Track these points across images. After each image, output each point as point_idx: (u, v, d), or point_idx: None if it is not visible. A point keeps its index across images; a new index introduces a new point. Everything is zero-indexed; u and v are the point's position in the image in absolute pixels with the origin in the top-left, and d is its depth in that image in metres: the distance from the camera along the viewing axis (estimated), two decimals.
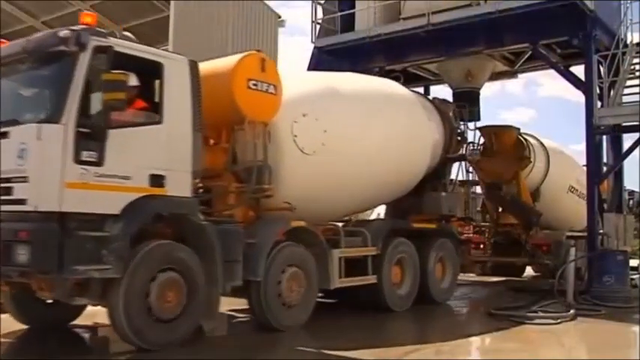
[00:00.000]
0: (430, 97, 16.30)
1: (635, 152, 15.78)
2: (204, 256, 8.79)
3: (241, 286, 9.50)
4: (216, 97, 9.61)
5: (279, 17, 21.75)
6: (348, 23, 17.97)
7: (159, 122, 8.55)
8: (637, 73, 15.78)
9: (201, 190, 10.03)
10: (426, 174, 13.86)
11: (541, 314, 12.07)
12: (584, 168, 20.99)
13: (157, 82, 8.75)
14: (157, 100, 8.73)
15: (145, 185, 8.25)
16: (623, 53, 15.46)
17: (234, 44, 19.58)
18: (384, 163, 12.23)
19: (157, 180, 8.39)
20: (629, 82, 15.48)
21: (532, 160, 19.07)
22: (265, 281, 9.79)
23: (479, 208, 20.84)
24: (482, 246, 19.97)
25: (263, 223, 10.29)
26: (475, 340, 10.86)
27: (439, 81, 20.16)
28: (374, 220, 13.30)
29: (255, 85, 10.16)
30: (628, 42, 16.08)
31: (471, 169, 15.57)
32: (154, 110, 8.65)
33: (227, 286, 9.16)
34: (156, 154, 8.46)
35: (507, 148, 18.75)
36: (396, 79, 19.92)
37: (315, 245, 10.81)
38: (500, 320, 11.64)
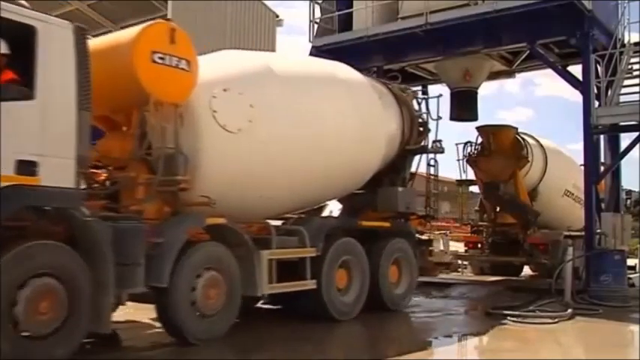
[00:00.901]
0: (407, 85, 14.86)
1: (633, 152, 15.83)
2: (92, 259, 7.45)
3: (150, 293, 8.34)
4: (116, 73, 8.54)
5: (277, 17, 21.83)
6: (346, 23, 17.99)
7: (30, 97, 7.09)
8: (634, 73, 15.79)
9: (108, 182, 9.03)
10: (381, 167, 12.67)
11: (539, 314, 12.07)
12: (582, 167, 21.15)
13: (31, 49, 7.23)
14: (30, 71, 7.22)
15: (9, 173, 6.81)
16: (621, 53, 15.49)
17: (232, 43, 19.62)
18: (328, 153, 10.96)
19: (26, 167, 6.96)
20: (626, 82, 15.52)
21: (530, 159, 19.08)
22: (174, 287, 8.43)
23: (477, 208, 20.92)
24: (480, 245, 20.10)
25: (172, 221, 8.95)
26: (472, 340, 10.85)
27: (437, 80, 20.16)
28: (314, 217, 11.77)
29: (161, 58, 8.72)
30: (625, 42, 16.10)
31: (432, 162, 14.00)
32: (26, 83, 7.17)
33: (123, 294, 7.96)
34: (25, 136, 7.02)
35: (505, 147, 18.80)
36: (394, 78, 20.02)
37: (239, 246, 9.46)
38: (498, 320, 11.64)
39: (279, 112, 10.13)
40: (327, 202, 13.15)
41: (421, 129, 13.71)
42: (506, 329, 11.01)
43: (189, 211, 9.21)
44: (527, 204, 18.71)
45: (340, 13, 18.06)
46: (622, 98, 15.31)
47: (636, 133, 15.23)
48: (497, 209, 19.39)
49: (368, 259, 11.66)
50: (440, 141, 13.88)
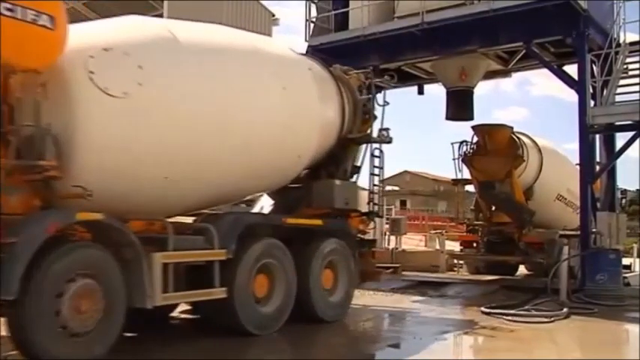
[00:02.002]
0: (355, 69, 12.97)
1: (629, 151, 15.84)
2: None
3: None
4: None
5: (273, 16, 21.82)
6: (342, 22, 18.01)
7: None
8: (630, 73, 15.79)
9: None
10: (318, 158, 11.32)
11: (534, 313, 12.07)
12: (577, 167, 21.16)
13: None
14: None
15: None
16: (616, 53, 15.52)
17: None
18: (245, 137, 9.39)
19: None
20: (622, 82, 15.55)
21: (525, 159, 19.11)
22: (30, 300, 6.69)
23: (472, 207, 20.91)
24: (475, 245, 20.14)
25: (33, 217, 7.27)
26: (467, 339, 10.84)
27: (433, 80, 20.16)
28: (226, 213, 10.11)
29: (10, 10, 6.79)
30: (621, 41, 16.11)
31: (377, 152, 12.61)
32: None
33: None
34: None
35: (500, 146, 18.80)
36: (390, 77, 20.04)
37: (124, 247, 7.77)
38: (493, 319, 11.64)
39: (179, 81, 8.39)
40: (255, 197, 11.92)
41: (366, 116, 12.29)
42: (502, 328, 10.98)
43: (62, 205, 7.55)
44: (522, 203, 18.72)
45: (336, 12, 18.06)
46: (617, 98, 15.35)
47: (632, 133, 15.25)
48: (493, 208, 19.42)
49: (296, 263, 10.10)
50: (387, 129, 12.53)
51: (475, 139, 19.42)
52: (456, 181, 20.40)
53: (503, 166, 18.48)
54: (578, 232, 19.48)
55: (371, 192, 12.79)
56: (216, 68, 9.02)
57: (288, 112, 10.11)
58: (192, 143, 8.55)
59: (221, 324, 9.45)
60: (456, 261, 21.43)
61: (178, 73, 8.40)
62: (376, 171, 12.77)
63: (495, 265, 19.89)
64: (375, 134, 12.44)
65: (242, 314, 9.17)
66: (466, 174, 19.72)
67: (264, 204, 12.17)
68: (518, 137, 19.46)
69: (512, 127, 19.39)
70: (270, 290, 9.79)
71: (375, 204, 12.76)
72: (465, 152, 19.37)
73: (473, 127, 19.29)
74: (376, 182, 12.84)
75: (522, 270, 21.19)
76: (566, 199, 20.31)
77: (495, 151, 18.71)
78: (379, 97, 12.97)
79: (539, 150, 19.91)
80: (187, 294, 8.67)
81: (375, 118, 12.53)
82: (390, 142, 12.67)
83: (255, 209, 12.07)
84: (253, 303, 9.46)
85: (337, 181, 11.57)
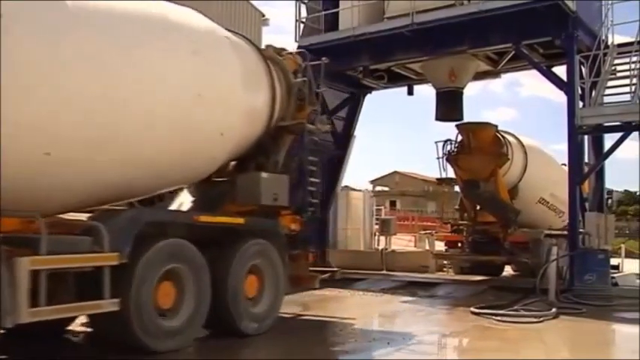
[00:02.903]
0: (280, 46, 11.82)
1: (617, 152, 15.93)
2: None
3: None
4: None
5: (263, 16, 21.81)
6: (332, 22, 18.01)
7: None
8: (618, 74, 15.87)
9: None
10: (246, 146, 10.17)
11: (523, 313, 12.12)
12: (563, 167, 21.22)
13: None
14: None
15: None
16: (605, 54, 15.58)
17: None
18: (148, 109, 8.06)
19: None
20: (610, 83, 15.63)
21: (510, 157, 19.04)
22: None
23: (457, 206, 20.87)
24: (460, 245, 20.11)
25: None
26: (455, 339, 10.90)
27: (423, 80, 20.20)
28: (123, 209, 8.64)
29: None
30: (609, 43, 16.19)
31: (307, 141, 11.57)
32: None
33: None
34: None
35: (485, 145, 18.75)
36: (380, 78, 20.11)
37: None
38: (483, 319, 11.69)
39: (55, 41, 6.99)
40: (169, 191, 10.14)
41: (302, 102, 11.12)
42: (490, 328, 11.04)
43: None
44: (507, 202, 18.65)
45: (326, 12, 18.07)
46: (606, 99, 15.43)
47: (620, 134, 15.35)
48: (478, 208, 19.39)
49: (211, 268, 8.82)
50: (328, 118, 11.57)
51: (459, 137, 19.38)
52: (441, 181, 20.29)
53: (487, 164, 18.44)
54: (565, 232, 19.66)
55: (306, 187, 11.49)
56: (110, 37, 7.60)
57: (202, 95, 8.77)
58: (80, 125, 7.24)
59: (116, 340, 8.02)
60: (445, 262, 21.43)
61: (55, 36, 7.01)
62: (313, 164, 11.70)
63: (480, 266, 19.78)
64: (312, 123, 11.36)
65: (140, 329, 7.75)
66: (451, 173, 19.63)
67: (184, 200, 10.57)
68: (502, 136, 19.40)
69: (496, 126, 19.34)
70: (177, 300, 8.38)
71: (310, 200, 11.47)
72: (449, 151, 19.29)
73: (457, 126, 19.25)
74: (313, 176, 11.65)
75: (508, 270, 21.20)
76: (548, 202, 20.28)
77: (479, 149, 18.65)
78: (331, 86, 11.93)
79: (524, 149, 19.85)
80: (65, 308, 7.08)
81: (313, 104, 11.47)
82: (328, 131, 11.50)
83: (173, 206, 10.32)
84: (155, 316, 8.01)
85: (264, 174, 10.26)
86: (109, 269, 7.31)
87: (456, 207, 21.00)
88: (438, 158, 19.40)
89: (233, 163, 10.58)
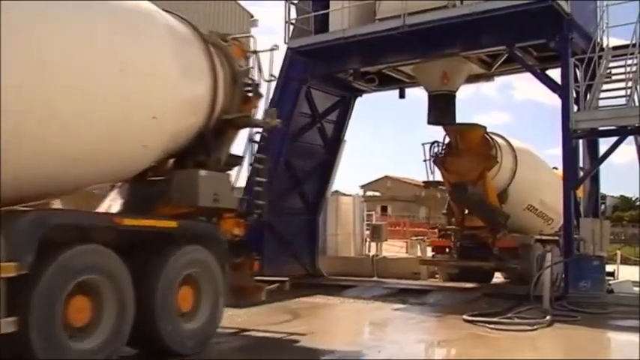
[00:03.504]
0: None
1: (612, 157, 16.01)
2: None
3: None
4: None
5: (252, 17, 21.85)
6: (322, 24, 18.01)
7: None
8: (613, 77, 15.96)
9: None
10: (185, 140, 9.38)
11: (517, 321, 12.16)
12: (554, 170, 21.27)
13: None
14: None
15: None
16: (600, 57, 15.65)
17: None
18: (60, 106, 7.19)
19: None
20: (605, 86, 15.67)
21: (499, 159, 18.90)
22: None
23: (444, 211, 20.70)
24: (448, 250, 19.87)
25: None
26: (446, 348, 10.92)
27: (415, 83, 20.25)
28: (24, 211, 7.33)
29: None
30: (604, 46, 16.27)
31: (257, 137, 10.95)
32: None
33: None
34: None
35: (473, 147, 18.69)
36: (371, 81, 20.15)
37: None
38: (476, 327, 11.73)
39: None
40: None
41: (248, 94, 10.44)
42: (483, 336, 11.08)
43: None
44: (496, 206, 18.54)
45: (316, 13, 18.06)
46: (601, 103, 15.47)
47: (615, 138, 15.43)
48: (466, 212, 19.24)
49: (135, 278, 7.87)
50: (274, 111, 10.93)
51: (447, 139, 19.31)
52: (428, 184, 20.10)
53: (475, 166, 18.33)
54: (556, 238, 19.70)
55: (250, 187, 10.82)
56: (21, 12, 6.89)
57: (126, 57, 7.97)
58: None
59: None
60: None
61: None
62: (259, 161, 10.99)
63: (469, 272, 19.61)
64: (259, 116, 10.72)
65: (44, 353, 6.72)
66: (439, 176, 19.51)
67: (113, 202, 9.65)
68: (491, 137, 19.24)
69: (485, 127, 19.25)
70: (94, 318, 7.43)
71: (255, 202, 10.74)
72: (436, 153, 19.16)
73: (444, 127, 19.17)
74: (260, 176, 10.95)
75: (499, 277, 21.12)
76: (537, 209, 20.13)
77: (468, 151, 18.58)
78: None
79: (514, 151, 19.65)
80: None
81: (261, 96, 10.74)
82: (276, 126, 10.96)
83: (100, 209, 9.46)
84: (64, 337, 6.99)
85: (203, 172, 9.42)
86: (6, 282, 6.37)
87: (444, 211, 20.80)
88: (425, 160, 19.27)
89: (173, 161, 9.81)
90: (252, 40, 11.28)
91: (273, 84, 11.00)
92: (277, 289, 12.06)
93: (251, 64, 10.73)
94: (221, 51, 10.09)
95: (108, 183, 9.38)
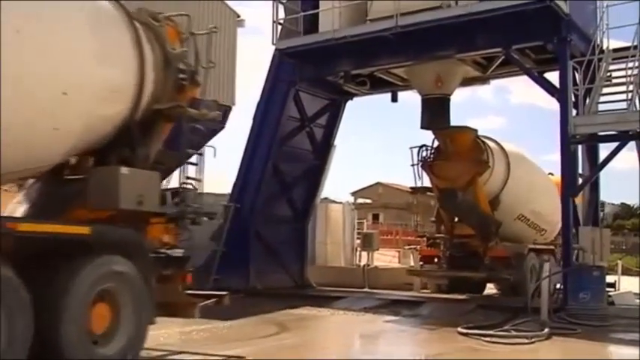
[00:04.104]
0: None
1: (612, 163, 15.95)
2: None
3: None
4: None
5: (238, 16, 21.75)
6: (312, 24, 17.93)
7: None
8: (613, 80, 15.92)
9: None
10: (104, 132, 8.25)
11: (514, 333, 12.06)
12: (549, 176, 21.19)
13: None
14: None
15: None
16: (599, 59, 15.61)
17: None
18: None
19: None
20: (605, 90, 15.63)
21: (491, 164, 18.52)
22: None
23: (433, 218, 20.25)
24: (436, 260, 19.49)
25: None
26: None
27: (408, 87, 20.19)
28: None
29: None
30: (604, 48, 16.24)
31: (192, 131, 9.70)
32: None
33: None
34: None
35: (463, 151, 18.41)
36: (362, 84, 20.08)
37: None
38: (471, 340, 11.61)
39: None
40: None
41: (183, 82, 9.35)
42: (479, 350, 10.96)
43: None
44: (487, 213, 18.21)
45: (305, 13, 17.99)
46: (601, 107, 15.43)
47: (616, 144, 15.37)
48: (456, 219, 18.96)
49: (35, 296, 6.68)
50: (215, 102, 9.95)
51: (436, 143, 19.05)
52: (415, 190, 19.85)
53: (466, 172, 18.05)
54: (551, 247, 19.59)
55: (182, 187, 9.78)
56: None
57: (22, 18, 6.89)
58: None
59: None
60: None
61: None
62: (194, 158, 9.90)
63: (460, 283, 19.33)
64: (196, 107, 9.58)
65: None
66: (427, 182, 19.16)
67: (21, 203, 8.61)
68: (482, 141, 18.91)
69: (476, 130, 18.98)
70: None
71: (186, 204, 9.56)
72: (424, 157, 18.86)
73: (433, 130, 18.89)
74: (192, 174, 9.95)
75: (492, 288, 20.94)
76: (528, 219, 19.73)
77: (458, 155, 18.32)
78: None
79: (507, 155, 19.25)
80: None
81: (198, 85, 9.75)
82: (214, 119, 9.98)
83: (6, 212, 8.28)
84: None
85: (125, 170, 8.21)
86: None
87: (432, 219, 20.30)
88: (413, 165, 18.96)
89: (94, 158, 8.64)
90: (188, 20, 10.00)
91: (213, 71, 10.02)
92: (215, 304, 10.13)
93: (187, 48, 9.61)
94: (151, 31, 9.02)
95: (14, 177, 8.04)
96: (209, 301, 10.18)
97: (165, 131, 9.26)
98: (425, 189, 19.62)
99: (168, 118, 9.17)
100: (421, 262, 20.33)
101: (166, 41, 9.13)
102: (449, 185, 18.23)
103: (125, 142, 8.55)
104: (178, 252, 9.34)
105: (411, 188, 20.00)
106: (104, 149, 8.41)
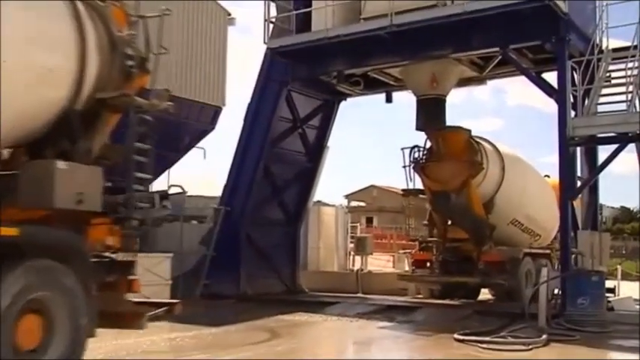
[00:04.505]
0: None
1: (611, 165, 15.95)
2: None
3: None
4: None
5: (229, 15, 21.72)
6: (304, 23, 17.90)
7: None
8: (613, 81, 15.92)
9: None
10: (38, 122, 7.62)
11: (511, 340, 12.03)
12: (546, 178, 21.16)
13: None
14: None
15: None
16: (599, 59, 15.59)
17: (179, 42, 19.41)
18: None
19: None
20: (604, 91, 15.62)
21: (485, 166, 18.33)
22: None
23: (425, 221, 20.14)
24: (429, 264, 19.30)
25: None
26: None
27: (402, 87, 20.17)
28: None
29: None
30: (603, 47, 16.24)
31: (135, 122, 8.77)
32: None
33: None
34: None
35: (456, 152, 18.24)
36: (356, 84, 20.06)
37: None
38: (467, 346, 11.58)
39: None
40: None
41: (131, 68, 8.61)
42: (475, 357, 10.94)
43: None
44: (481, 216, 18.06)
45: (298, 12, 17.96)
46: (600, 108, 15.43)
47: (615, 146, 15.37)
48: (448, 222, 18.85)
49: None
50: (166, 90, 9.05)
51: (428, 143, 18.90)
52: (407, 192, 19.70)
53: (459, 173, 17.87)
54: (547, 251, 19.56)
55: (130, 185, 8.85)
56: None
57: None
58: None
59: None
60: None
61: None
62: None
63: (452, 288, 19.21)
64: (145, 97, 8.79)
65: None
66: (418, 184, 18.96)
67: None
68: (476, 142, 18.71)
69: (469, 130, 18.78)
70: None
71: (132, 205, 8.67)
72: (416, 158, 18.69)
73: (425, 131, 18.73)
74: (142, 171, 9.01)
75: (486, 293, 20.87)
76: (522, 224, 19.49)
77: (450, 156, 18.16)
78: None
79: (501, 157, 19.06)
80: None
81: (147, 72, 9.04)
82: (166, 110, 9.12)
83: None
84: None
85: (61, 164, 7.45)
86: None
87: (425, 222, 20.17)
88: (404, 167, 18.79)
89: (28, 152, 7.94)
90: (137, 3, 9.29)
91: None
92: (166, 313, 9.33)
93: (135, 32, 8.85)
94: (95, 11, 8.26)
95: None
96: (158, 311, 9.34)
97: (110, 123, 8.54)
98: (417, 191, 19.46)
99: (114, 109, 8.44)
100: (413, 267, 20.16)
101: (112, 22, 8.39)
102: (441, 187, 18.10)
103: (64, 133, 7.84)
104: (126, 256, 8.56)
105: (403, 190, 19.86)
106: (40, 142, 7.72)
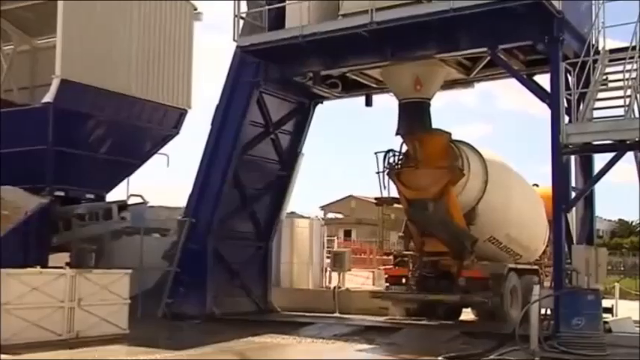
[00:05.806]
0: None
1: (608, 175, 16.01)
2: None
3: None
4: None
5: (195, 9, 21.62)
6: (278, 20, 17.89)
7: None
8: (610, 84, 15.99)
9: None
10: None
11: None
12: (534, 187, 21.20)
13: None
14: None
15: None
16: (595, 61, 15.66)
17: (140, 37, 19.29)
18: None
19: None
20: (600, 95, 15.67)
21: (466, 172, 18.15)
22: None
23: (401, 233, 19.95)
24: (404, 280, 19.10)
25: None
26: None
27: (383, 89, 20.21)
28: None
29: None
30: (600, 48, 16.33)
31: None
32: None
33: None
34: None
35: (435, 157, 18.12)
36: (333, 86, 20.07)
37: None
38: None
39: None
40: None
41: None
42: None
43: None
44: (462, 227, 17.93)
45: (270, 7, 17.94)
46: (596, 113, 15.47)
47: (612, 154, 15.42)
48: (426, 234, 18.56)
49: None
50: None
51: (404, 147, 18.80)
52: (380, 201, 19.45)
53: (437, 180, 17.74)
54: (535, 267, 19.56)
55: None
56: None
57: None
58: None
59: None
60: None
61: None
62: None
63: (431, 307, 18.94)
64: None
65: None
66: (393, 191, 18.77)
67: None
68: (456, 146, 18.55)
69: (449, 134, 18.64)
70: None
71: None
72: (390, 164, 18.56)
73: (401, 134, 18.55)
74: None
75: (469, 312, 20.75)
76: (501, 243, 19.14)
77: (428, 162, 18.05)
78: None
79: (484, 162, 18.81)
80: None
81: None
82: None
83: None
84: None
85: None
86: None
87: (400, 234, 19.99)
88: (378, 173, 18.60)
89: None
90: None
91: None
92: None
93: None
94: None
95: None
96: None
97: None
98: (392, 200, 19.23)
99: None
100: (387, 284, 19.91)
101: None
102: (418, 195, 18.00)
103: None
104: None
105: (376, 199, 19.59)
106: None
